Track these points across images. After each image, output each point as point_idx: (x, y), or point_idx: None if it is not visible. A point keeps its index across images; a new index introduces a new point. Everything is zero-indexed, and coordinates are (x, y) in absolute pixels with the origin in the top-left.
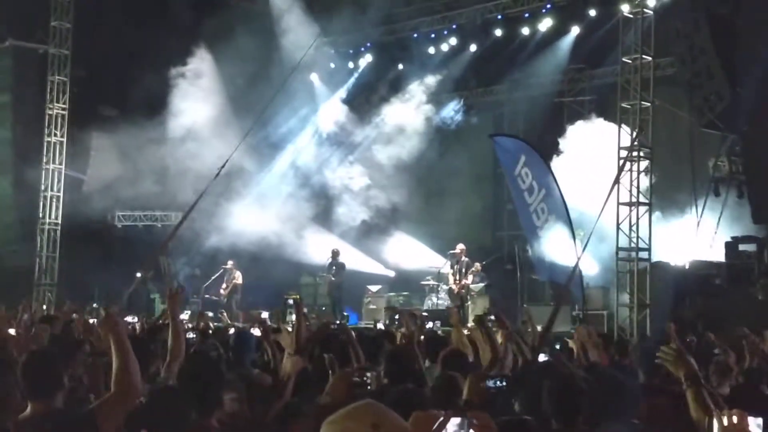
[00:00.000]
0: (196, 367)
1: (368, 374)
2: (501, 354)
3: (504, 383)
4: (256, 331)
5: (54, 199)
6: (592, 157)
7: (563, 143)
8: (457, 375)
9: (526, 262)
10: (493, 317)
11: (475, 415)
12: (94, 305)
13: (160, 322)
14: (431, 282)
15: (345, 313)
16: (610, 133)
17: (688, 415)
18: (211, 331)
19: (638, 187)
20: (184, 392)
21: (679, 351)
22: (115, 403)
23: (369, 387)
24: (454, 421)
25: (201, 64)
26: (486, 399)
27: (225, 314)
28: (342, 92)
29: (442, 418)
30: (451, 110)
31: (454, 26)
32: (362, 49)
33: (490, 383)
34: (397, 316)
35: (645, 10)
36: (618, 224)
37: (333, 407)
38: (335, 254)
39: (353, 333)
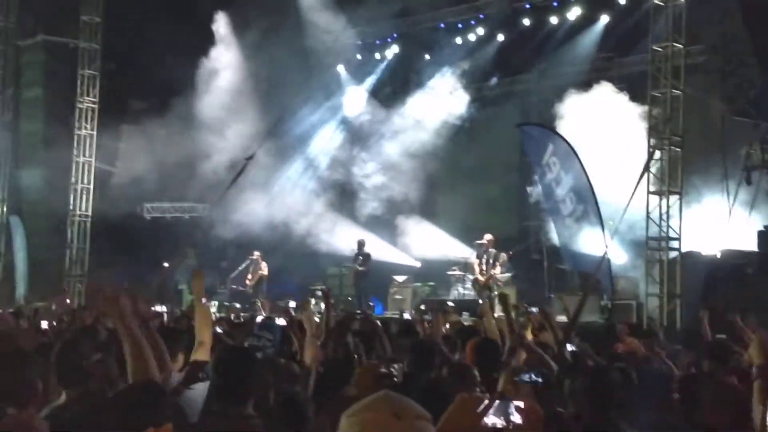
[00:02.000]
0: (233, 356)
1: (395, 366)
2: (517, 342)
3: (540, 378)
4: (282, 322)
5: (84, 192)
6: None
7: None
8: (469, 364)
9: (553, 251)
10: (536, 309)
11: (522, 399)
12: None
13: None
14: (457, 272)
15: (371, 303)
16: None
17: (746, 406)
18: (237, 322)
19: (669, 176)
20: (220, 381)
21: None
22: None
23: (395, 379)
24: (499, 405)
25: (228, 56)
26: (521, 393)
27: (259, 303)
28: (368, 83)
29: (487, 401)
30: (478, 100)
31: (481, 16)
32: (389, 39)
33: (525, 377)
34: (423, 306)
35: None
36: (648, 213)
37: (359, 399)
38: (361, 244)
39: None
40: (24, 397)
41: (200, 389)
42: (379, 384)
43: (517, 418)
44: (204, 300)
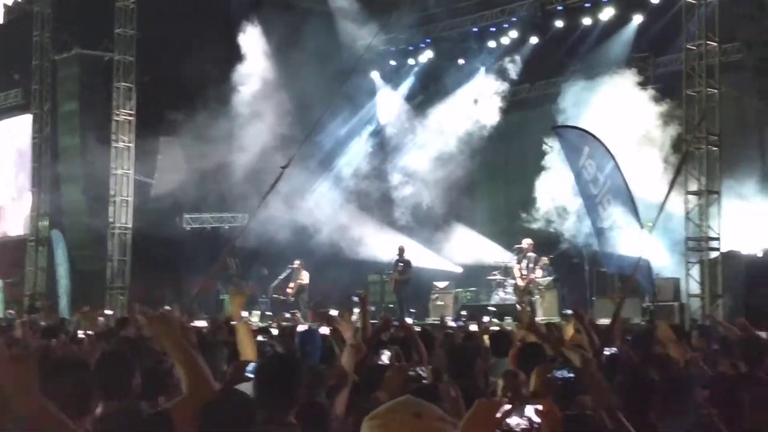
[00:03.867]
0: (275, 365)
1: (423, 368)
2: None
3: (572, 374)
4: (325, 330)
5: (123, 204)
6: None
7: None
8: (517, 371)
9: (593, 254)
10: (570, 312)
11: (540, 402)
12: (166, 307)
13: (228, 321)
14: (498, 277)
15: (411, 310)
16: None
17: None
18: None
19: (706, 175)
20: (263, 390)
21: None
22: (191, 404)
23: (425, 381)
24: (518, 408)
25: (263, 65)
26: (553, 390)
27: (298, 314)
28: (403, 89)
29: (508, 406)
30: (513, 103)
31: (514, 19)
32: (422, 45)
33: (558, 374)
34: (464, 312)
35: None
36: (687, 213)
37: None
38: (401, 251)
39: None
40: (81, 407)
41: (245, 390)
42: (408, 387)
43: (536, 419)
44: (242, 318)
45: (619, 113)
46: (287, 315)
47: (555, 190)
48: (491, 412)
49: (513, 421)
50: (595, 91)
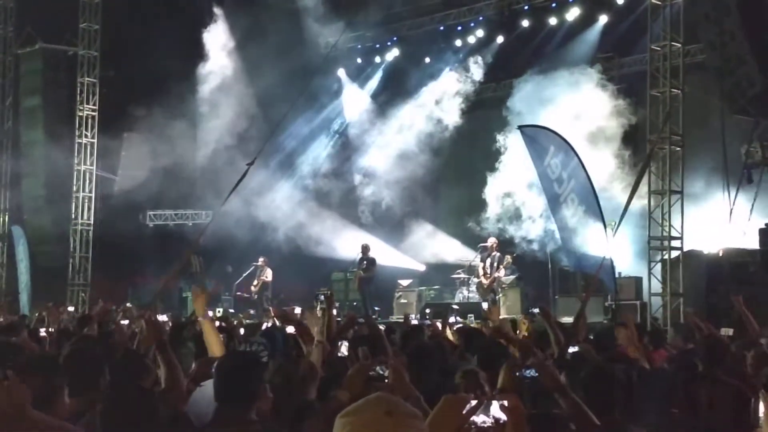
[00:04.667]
0: (237, 361)
1: (383, 367)
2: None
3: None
4: (290, 328)
5: (86, 200)
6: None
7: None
8: (476, 370)
9: (557, 253)
10: (537, 310)
11: (505, 398)
12: (128, 305)
13: (192, 318)
14: (462, 275)
15: (376, 308)
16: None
17: (746, 404)
18: (242, 329)
19: (669, 175)
20: (222, 387)
21: None
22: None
23: (386, 380)
24: (484, 404)
25: (228, 61)
26: (520, 389)
27: (270, 311)
28: (369, 86)
29: (474, 402)
30: (479, 101)
31: (480, 18)
32: (388, 43)
33: (526, 373)
34: (428, 311)
35: None
36: (650, 213)
37: (350, 402)
38: (365, 249)
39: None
40: (48, 405)
41: (210, 386)
42: (369, 386)
43: (502, 417)
44: (206, 316)
45: (581, 112)
46: (252, 312)
47: (511, 189)
48: (458, 408)
49: (479, 418)
50: (557, 90)
